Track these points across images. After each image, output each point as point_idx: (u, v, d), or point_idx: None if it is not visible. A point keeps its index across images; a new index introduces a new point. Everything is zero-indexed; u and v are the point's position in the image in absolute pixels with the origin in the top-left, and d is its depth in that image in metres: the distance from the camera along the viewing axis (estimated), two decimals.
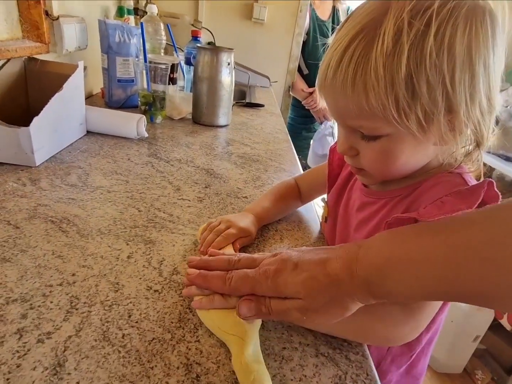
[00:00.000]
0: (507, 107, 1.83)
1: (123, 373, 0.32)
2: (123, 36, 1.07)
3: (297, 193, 0.66)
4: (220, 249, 0.48)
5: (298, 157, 2.34)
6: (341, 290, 0.31)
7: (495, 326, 1.61)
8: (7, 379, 0.30)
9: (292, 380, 0.34)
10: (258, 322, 0.38)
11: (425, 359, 0.56)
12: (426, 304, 0.39)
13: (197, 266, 0.42)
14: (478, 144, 0.41)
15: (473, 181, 0.41)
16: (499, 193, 0.37)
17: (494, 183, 0.37)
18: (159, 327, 0.37)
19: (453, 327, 1.61)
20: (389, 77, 0.34)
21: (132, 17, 1.43)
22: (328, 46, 0.41)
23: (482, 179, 0.43)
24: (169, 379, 0.32)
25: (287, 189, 0.65)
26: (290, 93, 2.18)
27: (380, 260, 0.30)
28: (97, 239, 0.50)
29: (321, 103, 1.97)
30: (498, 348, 1.71)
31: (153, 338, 0.36)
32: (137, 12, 1.55)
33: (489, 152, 1.81)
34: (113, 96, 1.13)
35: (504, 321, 1.55)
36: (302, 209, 0.68)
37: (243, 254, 0.41)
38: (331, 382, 0.34)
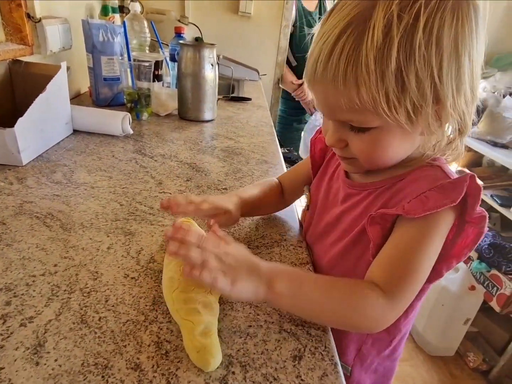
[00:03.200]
0: (494, 93, 1.85)
1: (98, 351, 0.35)
2: (106, 35, 1.09)
3: (280, 193, 0.65)
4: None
5: (290, 149, 2.36)
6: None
7: (485, 309, 1.65)
8: None
9: (254, 353, 0.37)
10: (216, 312, 0.40)
11: (403, 342, 0.58)
12: (405, 289, 0.39)
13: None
14: (460, 133, 0.42)
15: (453, 173, 0.43)
16: (481, 185, 0.39)
17: (476, 176, 0.39)
18: (133, 310, 0.41)
19: (444, 311, 1.65)
20: (380, 71, 0.35)
21: (117, 16, 1.44)
22: (313, 37, 0.41)
23: (460, 165, 0.45)
24: (140, 355, 0.35)
25: (271, 186, 0.64)
26: (280, 85, 2.20)
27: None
28: (79, 232, 0.53)
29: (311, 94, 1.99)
30: (489, 330, 1.75)
31: (128, 320, 0.39)
32: (123, 10, 1.56)
33: (477, 139, 1.83)
34: (100, 94, 1.15)
35: (493, 303, 1.59)
36: None
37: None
38: (290, 354, 0.38)
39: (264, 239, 0.57)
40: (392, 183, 0.46)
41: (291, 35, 2.09)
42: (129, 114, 0.94)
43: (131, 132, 0.94)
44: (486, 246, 1.65)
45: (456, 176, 0.42)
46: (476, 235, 0.42)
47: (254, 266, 0.39)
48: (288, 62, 2.14)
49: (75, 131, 0.92)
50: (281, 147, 1.10)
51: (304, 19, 2.08)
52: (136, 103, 1.08)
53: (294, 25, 2.08)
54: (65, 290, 0.42)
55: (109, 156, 0.81)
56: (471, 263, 1.72)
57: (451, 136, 0.43)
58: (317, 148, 0.61)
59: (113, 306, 0.41)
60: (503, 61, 2.06)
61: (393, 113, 0.36)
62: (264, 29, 2.04)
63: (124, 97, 1.08)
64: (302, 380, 0.35)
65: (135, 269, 0.47)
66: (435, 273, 0.43)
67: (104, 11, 1.35)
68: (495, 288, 1.58)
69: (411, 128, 0.39)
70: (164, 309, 0.41)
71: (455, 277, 1.63)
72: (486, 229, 0.41)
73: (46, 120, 0.79)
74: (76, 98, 1.22)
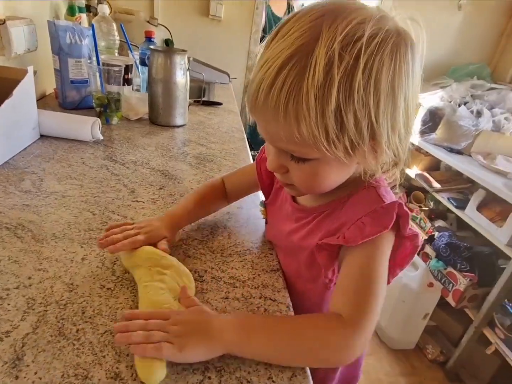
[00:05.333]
0: (450, 102, 1.97)
1: (77, 362, 0.36)
2: (74, 38, 1.07)
3: (222, 193, 0.67)
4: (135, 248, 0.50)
5: (258, 153, 2.39)
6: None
7: (442, 304, 1.76)
8: None
9: (228, 359, 0.40)
10: None
11: None
12: (369, 315, 0.40)
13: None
14: (395, 164, 0.45)
15: (387, 195, 0.46)
16: (409, 211, 0.44)
17: (403, 203, 0.44)
18: (111, 321, 0.42)
19: (405, 307, 1.75)
20: (320, 108, 0.35)
21: (84, 15, 1.42)
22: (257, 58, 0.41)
23: (397, 189, 0.49)
24: (119, 364, 0.37)
25: (211, 189, 0.66)
26: None
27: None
28: (52, 243, 0.53)
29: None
30: (446, 324, 1.88)
31: (106, 331, 0.40)
32: (90, 9, 1.53)
33: (435, 145, 1.95)
34: (67, 97, 1.13)
35: (449, 299, 1.71)
36: (252, 208, 0.73)
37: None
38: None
39: (237, 247, 0.60)
40: (334, 207, 0.49)
41: (261, 39, 2.12)
42: (99, 120, 0.93)
43: (101, 137, 0.93)
44: (443, 245, 1.77)
45: (389, 197, 0.45)
46: (414, 247, 0.46)
47: (205, 327, 0.40)
48: None
49: (42, 136, 0.90)
50: (251, 150, 1.12)
51: (273, 24, 2.12)
52: (105, 108, 1.06)
53: (263, 30, 2.12)
54: (41, 303, 0.43)
55: (79, 163, 0.80)
56: (430, 261, 1.83)
57: (385, 167, 0.45)
58: (263, 168, 0.62)
59: (90, 318, 0.42)
60: (458, 72, 2.21)
61: (332, 148, 0.38)
62: (235, 33, 2.06)
63: (93, 101, 1.07)
64: (273, 381, 0.38)
65: (111, 279, 0.48)
66: None
67: (71, 11, 1.32)
68: (451, 285, 1.70)
69: (348, 161, 0.40)
70: None
71: (415, 275, 1.73)
72: (420, 243, 0.46)
73: (12, 125, 0.77)
74: (41, 100, 1.19)
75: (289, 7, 2.15)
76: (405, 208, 0.43)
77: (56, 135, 0.92)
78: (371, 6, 0.39)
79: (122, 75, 1.08)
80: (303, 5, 2.23)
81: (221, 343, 0.39)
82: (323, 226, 0.50)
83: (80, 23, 1.34)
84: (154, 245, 0.52)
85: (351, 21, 0.35)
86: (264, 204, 0.66)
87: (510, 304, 1.50)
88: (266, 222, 0.66)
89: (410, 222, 0.44)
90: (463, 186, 1.90)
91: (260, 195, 0.74)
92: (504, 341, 1.47)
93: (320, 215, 0.51)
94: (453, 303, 1.69)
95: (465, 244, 1.72)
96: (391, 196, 0.46)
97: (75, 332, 0.40)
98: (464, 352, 1.65)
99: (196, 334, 0.39)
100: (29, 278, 0.46)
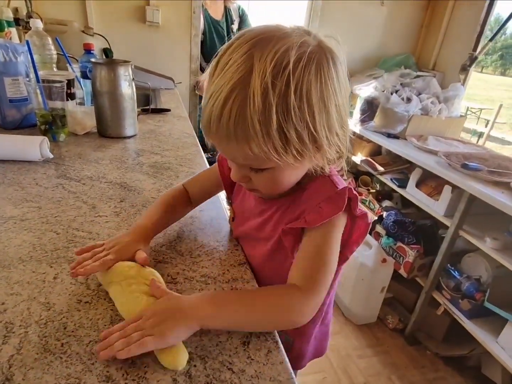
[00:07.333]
0: (383, 91, 2.13)
1: (68, 373, 0.39)
2: (8, 55, 1.03)
3: (186, 199, 0.69)
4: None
5: (213, 153, 2.42)
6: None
7: (396, 276, 1.92)
8: None
9: (210, 346, 0.44)
10: None
11: (331, 308, 0.71)
12: (319, 281, 0.48)
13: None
14: (339, 157, 0.53)
15: (339, 181, 0.53)
16: (357, 194, 0.51)
17: (352, 188, 0.51)
18: (94, 331, 0.44)
19: (364, 284, 1.88)
20: (265, 130, 0.41)
21: (14, 30, 1.36)
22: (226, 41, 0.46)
23: (345, 175, 0.57)
24: (109, 368, 0.40)
25: (174, 197, 0.68)
26: (196, 92, 2.24)
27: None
28: (19, 267, 0.54)
29: None
30: (401, 294, 2.04)
31: (90, 341, 0.43)
32: (19, 22, 1.46)
33: (375, 131, 2.10)
34: (7, 117, 1.09)
35: (401, 271, 1.86)
36: (213, 209, 0.78)
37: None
38: (240, 341, 0.45)
39: (204, 247, 0.64)
40: (295, 198, 0.55)
41: (202, 43, 2.15)
42: (46, 138, 0.92)
43: (51, 156, 0.92)
44: (391, 223, 1.92)
45: (341, 184, 0.52)
46: (365, 226, 0.54)
47: (176, 309, 0.43)
48: (202, 69, 2.19)
49: None
50: (204, 152, 1.15)
51: (212, 27, 2.15)
52: (50, 125, 1.04)
53: (203, 34, 2.14)
54: (20, 326, 0.44)
55: (33, 185, 0.79)
56: (381, 239, 1.98)
57: (331, 161, 0.51)
58: (225, 167, 0.65)
59: (72, 331, 0.44)
60: (387, 63, 2.39)
61: (282, 158, 0.44)
62: (175, 39, 2.07)
63: (37, 119, 1.04)
64: (252, 359, 0.43)
65: (86, 293, 0.50)
66: (343, 258, 0.55)
67: None
68: (401, 258, 1.85)
69: (299, 164, 0.47)
70: None
71: (370, 253, 1.86)
72: (370, 221, 0.53)
73: None
74: None
75: (226, 10, 2.18)
76: (354, 191, 0.50)
77: (2, 157, 0.89)
78: (293, 30, 0.44)
79: (65, 90, 1.06)
80: (239, 7, 2.28)
81: (196, 319, 0.43)
82: (286, 216, 0.56)
83: (10, 38, 1.28)
84: (131, 259, 0.53)
85: (278, 51, 0.40)
86: (230, 203, 0.70)
87: (452, 268, 1.68)
88: (232, 220, 0.71)
89: (359, 203, 0.51)
90: (402, 167, 2.08)
91: (221, 197, 0.78)
92: (450, 301, 1.64)
93: (282, 206, 0.57)
94: (405, 274, 1.85)
95: (410, 219, 1.89)
96: (342, 182, 0.53)
97: (60, 346, 0.42)
98: (419, 317, 1.81)
99: (170, 319, 0.42)
100: (3, 303, 0.47)
